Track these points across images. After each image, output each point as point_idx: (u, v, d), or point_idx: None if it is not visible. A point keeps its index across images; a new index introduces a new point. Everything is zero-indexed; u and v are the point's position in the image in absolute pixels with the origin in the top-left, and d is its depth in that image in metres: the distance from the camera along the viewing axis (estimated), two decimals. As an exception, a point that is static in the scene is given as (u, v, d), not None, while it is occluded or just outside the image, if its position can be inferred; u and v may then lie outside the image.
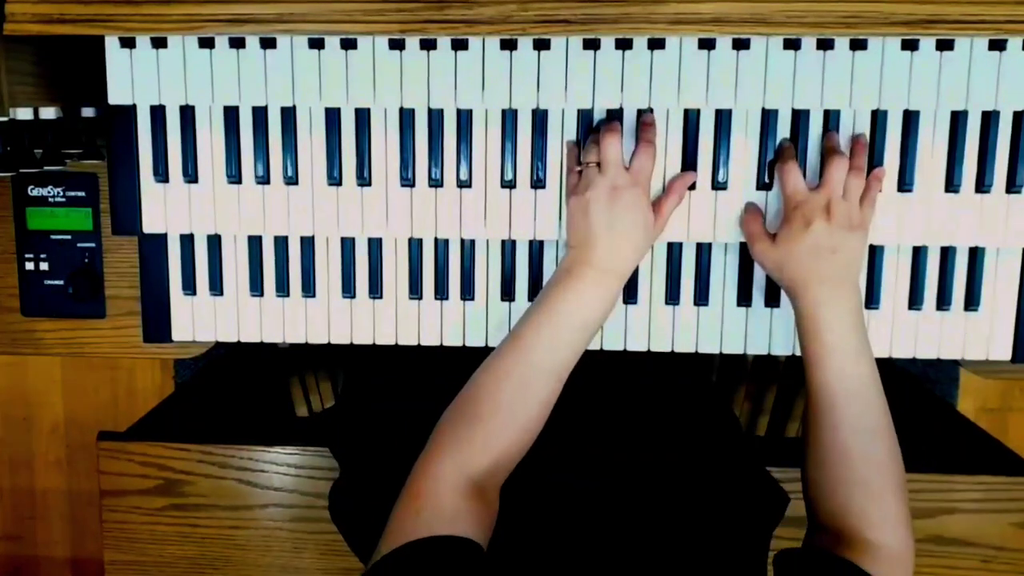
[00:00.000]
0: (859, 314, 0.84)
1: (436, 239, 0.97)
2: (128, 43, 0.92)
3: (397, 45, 0.91)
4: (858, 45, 0.88)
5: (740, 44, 0.89)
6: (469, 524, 0.71)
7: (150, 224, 0.97)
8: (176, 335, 1.00)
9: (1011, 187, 0.91)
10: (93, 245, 1.04)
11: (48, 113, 0.92)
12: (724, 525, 0.83)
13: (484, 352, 0.84)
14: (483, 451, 0.76)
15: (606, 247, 0.84)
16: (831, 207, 0.84)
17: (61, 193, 1.03)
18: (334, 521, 1.00)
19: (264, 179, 0.95)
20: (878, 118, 0.91)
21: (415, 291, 0.98)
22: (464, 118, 0.93)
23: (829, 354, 0.82)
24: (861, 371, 0.82)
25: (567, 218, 0.88)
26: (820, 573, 0.77)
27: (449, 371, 0.84)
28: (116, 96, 0.93)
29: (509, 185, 0.94)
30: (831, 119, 0.91)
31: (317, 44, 0.91)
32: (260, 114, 0.94)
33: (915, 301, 0.95)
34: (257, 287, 0.99)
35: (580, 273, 0.84)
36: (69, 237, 1.04)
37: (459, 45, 0.90)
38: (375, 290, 0.98)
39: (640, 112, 0.91)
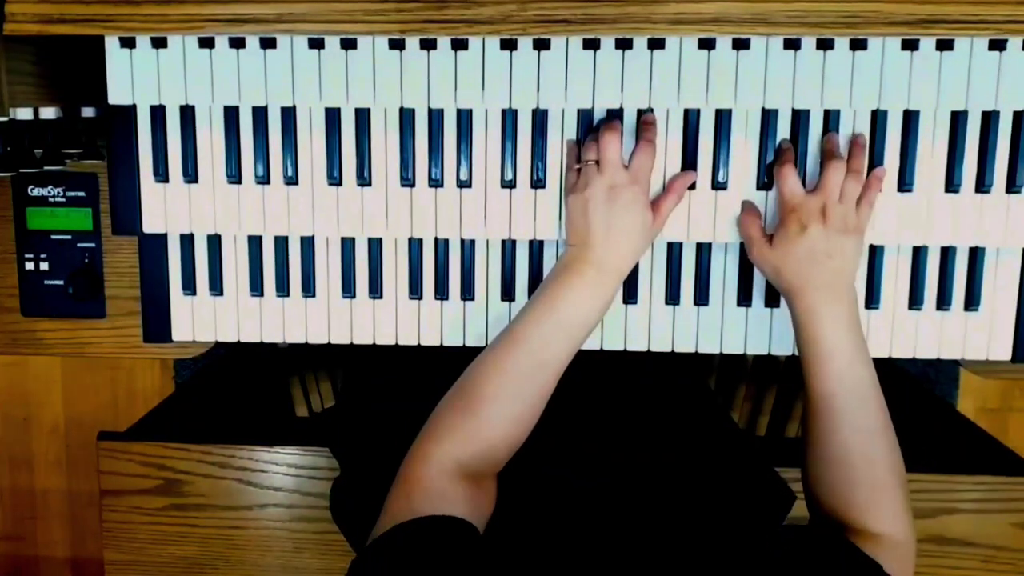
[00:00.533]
0: (855, 317, 0.85)
1: (436, 239, 0.97)
2: (128, 43, 0.92)
3: (397, 45, 0.91)
4: (858, 45, 0.88)
5: (740, 44, 0.89)
6: (461, 505, 0.72)
7: (150, 224, 0.97)
8: (176, 335, 1.00)
9: (1011, 187, 0.91)
10: (93, 245, 1.04)
11: (48, 113, 0.92)
12: (727, 523, 0.83)
13: (484, 352, 0.84)
14: (475, 441, 0.77)
15: (604, 245, 0.84)
16: (827, 211, 0.84)
17: (61, 193, 1.03)
18: (335, 520, 1.00)
19: (264, 179, 0.95)
20: (878, 118, 0.91)
21: (415, 291, 0.98)
22: (464, 118, 0.93)
23: (827, 358, 0.83)
24: (858, 372, 0.83)
25: (566, 216, 0.88)
26: (823, 552, 0.77)
27: (449, 371, 0.84)
28: (116, 96, 0.93)
29: (509, 185, 0.94)
30: (831, 119, 0.91)
31: (317, 44, 0.91)
32: (260, 114, 0.94)
33: (915, 301, 0.95)
34: (257, 287, 0.99)
35: (578, 271, 0.84)
36: (69, 237, 1.04)
37: (459, 45, 0.90)
38: (375, 290, 0.98)
39: (640, 112, 0.91)
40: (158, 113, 0.95)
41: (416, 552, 0.66)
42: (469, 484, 0.75)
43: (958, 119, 0.91)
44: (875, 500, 0.81)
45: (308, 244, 0.98)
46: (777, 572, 0.73)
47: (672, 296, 0.97)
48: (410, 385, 1.06)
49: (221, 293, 0.99)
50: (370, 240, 0.98)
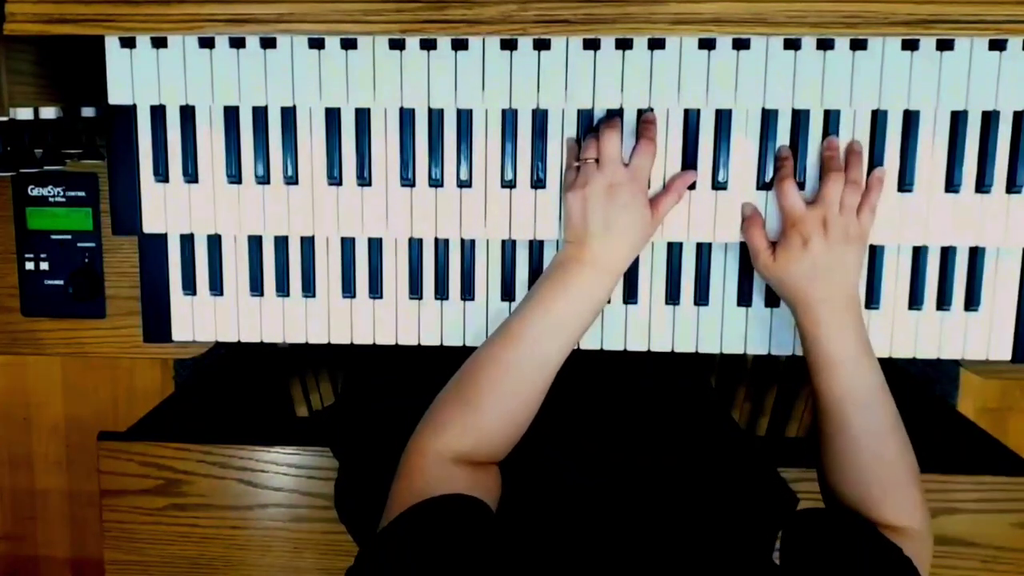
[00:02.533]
0: (860, 324, 0.85)
1: (436, 239, 0.97)
2: (128, 43, 0.92)
3: (397, 45, 0.91)
4: (858, 45, 0.88)
5: (740, 44, 0.89)
6: (463, 485, 0.72)
7: (150, 224, 0.97)
8: (176, 335, 1.00)
9: (1011, 187, 0.91)
10: (93, 245, 1.04)
11: (48, 113, 0.92)
12: (729, 526, 0.83)
13: (484, 352, 0.84)
14: (472, 432, 0.78)
15: (602, 244, 0.84)
16: (827, 223, 0.85)
17: (61, 193, 1.03)
18: (341, 520, 1.00)
19: (264, 179, 0.95)
20: (878, 118, 0.91)
21: (415, 291, 0.98)
22: (464, 118, 0.93)
23: (833, 365, 0.83)
24: (866, 378, 0.83)
25: (564, 213, 0.88)
26: (844, 532, 0.78)
27: (449, 371, 0.84)
28: (116, 96, 0.93)
29: (509, 185, 0.94)
30: (831, 119, 0.91)
31: (317, 44, 0.91)
32: (260, 114, 0.94)
33: (915, 301, 0.95)
34: (257, 287, 0.99)
35: (575, 269, 0.84)
36: (69, 237, 1.04)
37: (459, 45, 0.90)
38: (375, 290, 0.98)
39: (640, 112, 0.91)
40: (158, 113, 0.95)
41: (429, 529, 0.66)
42: (470, 468, 0.75)
43: (958, 119, 0.91)
44: (889, 495, 0.82)
45: (308, 244, 0.98)
46: (800, 552, 0.73)
47: (672, 296, 0.97)
48: (410, 385, 1.06)
49: (221, 293, 0.99)
50: (370, 240, 0.98)
